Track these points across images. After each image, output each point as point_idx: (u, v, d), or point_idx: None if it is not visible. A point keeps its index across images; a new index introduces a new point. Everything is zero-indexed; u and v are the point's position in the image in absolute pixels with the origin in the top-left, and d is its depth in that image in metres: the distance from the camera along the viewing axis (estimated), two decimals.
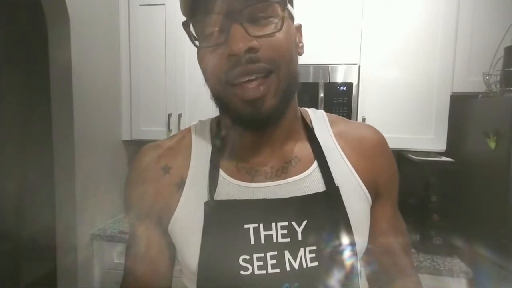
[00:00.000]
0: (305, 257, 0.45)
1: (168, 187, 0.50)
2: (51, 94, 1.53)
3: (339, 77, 1.62)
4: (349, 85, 1.61)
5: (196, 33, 0.45)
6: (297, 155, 0.51)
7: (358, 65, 1.63)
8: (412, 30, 1.58)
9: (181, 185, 0.50)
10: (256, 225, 0.46)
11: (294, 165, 0.50)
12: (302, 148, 0.52)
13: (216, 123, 0.55)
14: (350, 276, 0.47)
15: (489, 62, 1.51)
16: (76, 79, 1.51)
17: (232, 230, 0.46)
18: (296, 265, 0.45)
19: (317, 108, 1.74)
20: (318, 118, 0.57)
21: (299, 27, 0.51)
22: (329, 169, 0.50)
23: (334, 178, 0.49)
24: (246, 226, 0.46)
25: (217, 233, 0.46)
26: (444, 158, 1.51)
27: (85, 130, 1.59)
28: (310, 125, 0.55)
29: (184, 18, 0.46)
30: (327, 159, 0.51)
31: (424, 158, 1.50)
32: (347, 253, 0.48)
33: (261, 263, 0.45)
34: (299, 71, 0.48)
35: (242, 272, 0.44)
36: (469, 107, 1.50)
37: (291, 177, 0.49)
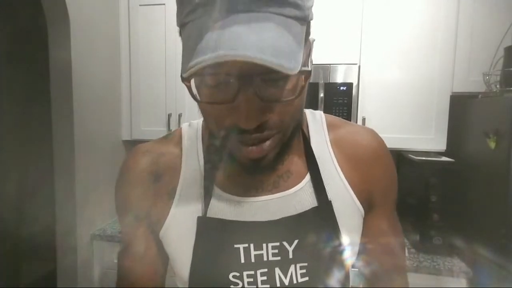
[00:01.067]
0: (296, 273, 0.46)
1: (159, 195, 0.50)
2: (51, 94, 1.53)
3: (339, 77, 1.62)
4: (349, 85, 1.61)
5: (195, 81, 0.39)
6: (289, 168, 0.50)
7: (358, 65, 1.63)
8: (412, 30, 1.58)
9: (171, 194, 0.49)
10: (246, 245, 0.46)
11: (286, 179, 0.49)
12: (296, 161, 0.50)
13: (208, 130, 0.51)
14: None
15: (489, 62, 1.51)
16: (76, 79, 1.51)
17: (222, 248, 0.46)
18: (286, 281, 0.46)
19: (317, 108, 1.74)
20: (317, 122, 0.54)
21: (310, 45, 0.43)
22: (322, 182, 0.49)
23: (327, 192, 0.49)
24: (236, 246, 0.46)
25: (208, 250, 0.46)
26: (444, 158, 1.51)
27: (85, 130, 1.59)
28: (307, 134, 0.52)
29: None
30: (320, 172, 0.49)
31: (424, 158, 1.50)
32: (337, 267, 0.48)
33: (251, 279, 0.46)
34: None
35: (232, 287, 0.45)
36: (469, 107, 1.50)
37: (282, 191, 0.48)
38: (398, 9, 1.59)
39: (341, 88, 1.62)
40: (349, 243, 0.49)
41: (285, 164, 0.49)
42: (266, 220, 0.47)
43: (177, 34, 0.40)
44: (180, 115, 1.80)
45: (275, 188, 0.48)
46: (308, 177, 0.49)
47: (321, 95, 1.61)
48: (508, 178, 1.18)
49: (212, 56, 0.31)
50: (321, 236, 0.47)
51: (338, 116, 1.61)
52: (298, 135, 0.51)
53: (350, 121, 1.61)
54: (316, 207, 0.48)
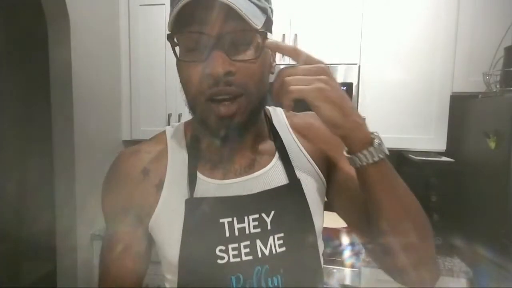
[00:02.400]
0: (274, 244, 0.52)
1: (148, 189, 0.54)
2: (51, 94, 1.53)
3: (339, 77, 1.62)
4: (349, 85, 1.61)
5: (179, 45, 0.48)
6: (260, 151, 0.57)
7: (358, 65, 1.63)
8: (412, 30, 1.58)
9: (160, 186, 0.54)
10: (230, 219, 0.52)
11: (259, 160, 0.56)
12: (265, 144, 0.58)
13: (189, 128, 0.59)
14: (313, 255, 0.55)
15: (489, 62, 1.51)
16: (76, 79, 1.51)
17: (209, 224, 0.51)
18: (266, 252, 0.51)
19: None
20: (277, 114, 0.64)
21: (275, 47, 0.50)
22: (290, 161, 0.57)
23: (295, 170, 0.56)
24: (221, 220, 0.51)
25: (196, 228, 0.51)
26: (444, 158, 1.51)
27: (85, 130, 1.59)
28: (271, 121, 0.62)
29: None
30: (288, 152, 0.58)
31: (424, 158, 1.50)
32: (309, 236, 0.54)
33: (235, 252, 0.50)
34: (268, 90, 0.53)
35: (218, 261, 0.50)
36: (469, 107, 1.50)
37: (256, 171, 0.55)
38: (398, 9, 1.59)
39: (341, 88, 1.62)
40: (315, 213, 0.55)
41: (255, 146, 0.57)
42: (245, 194, 0.53)
43: None
44: (180, 115, 1.80)
45: (250, 170, 0.55)
46: (277, 156, 0.57)
47: None
48: (508, 178, 1.18)
49: None
50: (294, 209, 0.55)
51: None
52: (263, 116, 0.59)
53: None
54: (288, 184, 0.55)
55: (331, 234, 1.55)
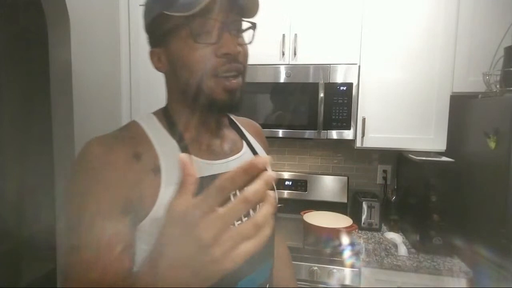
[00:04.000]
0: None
1: (144, 174, 0.51)
2: (51, 94, 1.53)
3: (339, 77, 1.62)
4: (349, 85, 1.61)
5: (188, 31, 0.53)
6: (233, 137, 0.67)
7: (358, 65, 1.63)
8: (412, 30, 1.58)
9: (157, 170, 0.52)
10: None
11: (235, 145, 0.66)
12: (232, 131, 0.69)
13: (162, 117, 0.60)
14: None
15: (489, 62, 1.51)
16: (76, 79, 1.51)
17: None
18: None
19: (317, 108, 1.75)
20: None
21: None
22: (253, 147, 0.69)
23: (258, 152, 0.69)
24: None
25: None
26: (444, 158, 1.51)
27: (85, 130, 1.59)
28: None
29: None
30: (248, 139, 0.70)
31: (424, 158, 1.50)
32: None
33: (239, 222, 0.51)
34: None
35: None
36: (469, 107, 1.50)
37: (236, 154, 0.64)
38: (398, 9, 1.59)
39: (341, 88, 1.62)
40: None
41: (228, 132, 0.67)
42: None
43: None
44: None
45: (231, 152, 0.64)
46: (245, 143, 0.68)
47: (321, 95, 1.61)
48: (508, 178, 1.18)
49: None
50: None
51: (338, 116, 1.62)
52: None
53: (350, 121, 1.62)
54: None
55: (331, 234, 1.55)
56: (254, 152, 0.69)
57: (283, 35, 1.69)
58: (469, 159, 1.45)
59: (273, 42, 1.70)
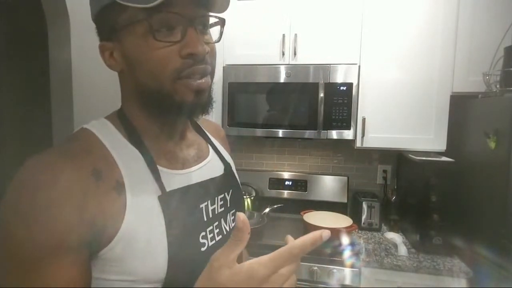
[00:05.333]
0: (231, 220, 0.58)
1: (106, 195, 0.43)
2: (51, 94, 1.53)
3: (339, 77, 1.62)
4: (349, 85, 1.61)
5: (147, 26, 0.45)
6: (198, 142, 0.62)
7: (358, 65, 1.63)
8: (412, 30, 1.58)
9: (120, 188, 0.44)
10: (206, 203, 0.54)
11: (200, 150, 0.60)
12: (197, 135, 0.63)
13: (117, 122, 0.53)
14: None
15: (489, 62, 1.51)
16: (76, 79, 1.51)
17: (190, 213, 0.51)
18: (228, 228, 0.57)
19: (317, 108, 1.75)
20: None
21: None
22: (218, 150, 0.65)
23: (224, 157, 0.65)
24: (200, 206, 0.53)
25: (179, 221, 0.48)
26: (444, 158, 1.51)
27: None
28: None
29: None
30: (212, 141, 0.66)
31: (424, 158, 1.50)
32: (243, 205, 0.69)
33: (211, 235, 0.53)
34: None
35: (202, 249, 0.50)
36: (469, 107, 1.50)
37: (203, 160, 0.59)
38: (398, 9, 1.59)
39: (341, 88, 1.62)
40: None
41: (194, 136, 0.62)
42: (209, 178, 0.57)
43: None
44: None
45: (199, 158, 0.59)
46: (210, 148, 0.63)
47: (321, 95, 1.61)
48: (508, 178, 1.18)
49: None
50: (237, 186, 0.65)
51: (338, 116, 1.62)
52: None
53: (350, 121, 1.62)
54: (227, 166, 0.64)
55: (331, 234, 1.55)
56: (220, 156, 0.64)
57: (283, 35, 1.69)
58: (469, 159, 1.45)
59: (273, 42, 1.70)
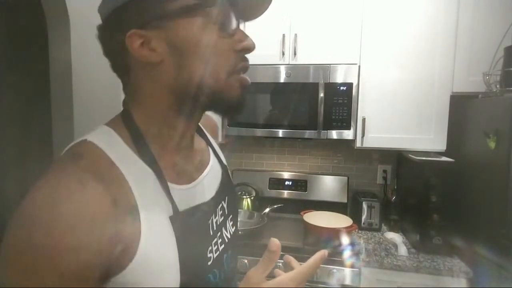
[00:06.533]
0: (230, 226, 0.58)
1: (123, 223, 0.40)
2: (51, 94, 1.53)
3: (339, 77, 1.62)
4: (349, 85, 1.61)
5: (203, 21, 0.44)
6: (202, 146, 0.60)
7: (358, 65, 1.63)
8: (412, 30, 1.58)
9: (134, 211, 0.42)
10: (211, 217, 0.53)
11: (203, 155, 0.59)
12: (200, 139, 0.61)
13: (124, 132, 0.48)
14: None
15: (489, 62, 1.51)
16: (76, 79, 1.51)
17: (200, 230, 0.50)
18: (228, 235, 0.57)
19: (317, 108, 1.75)
20: None
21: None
22: (215, 150, 0.63)
23: (222, 160, 0.63)
24: (208, 222, 0.52)
25: (190, 239, 0.47)
26: (444, 158, 1.51)
27: (85, 130, 1.59)
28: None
29: None
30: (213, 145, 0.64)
31: (424, 158, 1.50)
32: (237, 210, 0.66)
33: (216, 247, 0.52)
34: None
35: (209, 263, 0.50)
36: (469, 107, 1.50)
37: (206, 167, 0.57)
38: (398, 9, 1.59)
39: (341, 88, 1.62)
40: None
41: (199, 141, 0.60)
42: (214, 190, 0.56)
43: None
44: None
45: (203, 165, 0.57)
46: (211, 151, 0.62)
47: (321, 95, 1.61)
48: (508, 178, 1.18)
49: None
50: (232, 191, 0.64)
51: (338, 116, 1.62)
52: None
53: (350, 121, 1.62)
54: (223, 169, 0.62)
55: (331, 234, 1.55)
56: (219, 159, 0.62)
57: (283, 35, 1.69)
58: (469, 159, 1.45)
59: (273, 42, 1.70)
